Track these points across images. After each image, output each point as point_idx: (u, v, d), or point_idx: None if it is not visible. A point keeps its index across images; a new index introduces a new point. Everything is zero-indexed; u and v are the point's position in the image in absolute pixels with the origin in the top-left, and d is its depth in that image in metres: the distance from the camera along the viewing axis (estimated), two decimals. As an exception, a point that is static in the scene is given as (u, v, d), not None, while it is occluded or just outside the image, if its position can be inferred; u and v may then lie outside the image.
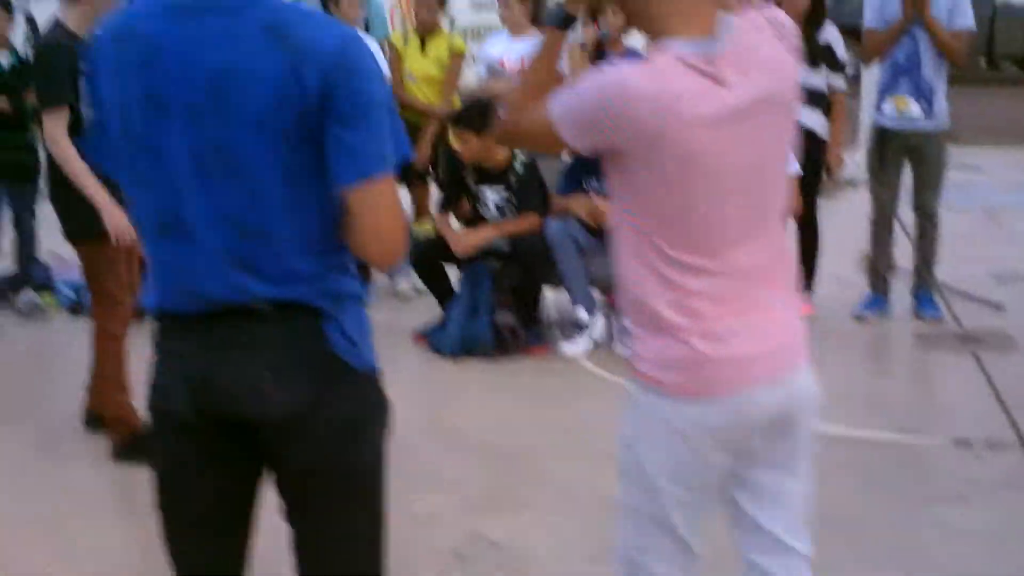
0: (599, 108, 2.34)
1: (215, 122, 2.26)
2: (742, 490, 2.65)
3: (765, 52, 2.41)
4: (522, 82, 2.57)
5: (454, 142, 6.81)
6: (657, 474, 2.55)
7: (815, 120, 6.97)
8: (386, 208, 2.33)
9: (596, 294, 6.97)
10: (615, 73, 2.35)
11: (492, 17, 23.70)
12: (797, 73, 2.53)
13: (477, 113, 6.70)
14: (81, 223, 5.01)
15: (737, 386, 2.48)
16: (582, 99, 2.38)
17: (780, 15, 2.50)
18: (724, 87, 2.31)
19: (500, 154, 6.77)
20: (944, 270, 7.42)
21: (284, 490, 2.49)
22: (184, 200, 2.32)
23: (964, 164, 8.08)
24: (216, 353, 2.38)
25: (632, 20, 2.49)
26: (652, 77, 2.31)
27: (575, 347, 6.66)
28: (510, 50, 7.63)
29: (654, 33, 2.41)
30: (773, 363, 2.51)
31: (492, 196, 6.85)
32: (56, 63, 4.96)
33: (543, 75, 2.54)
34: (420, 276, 7.00)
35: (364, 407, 2.47)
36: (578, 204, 6.71)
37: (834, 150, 7.07)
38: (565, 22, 2.54)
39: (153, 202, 2.36)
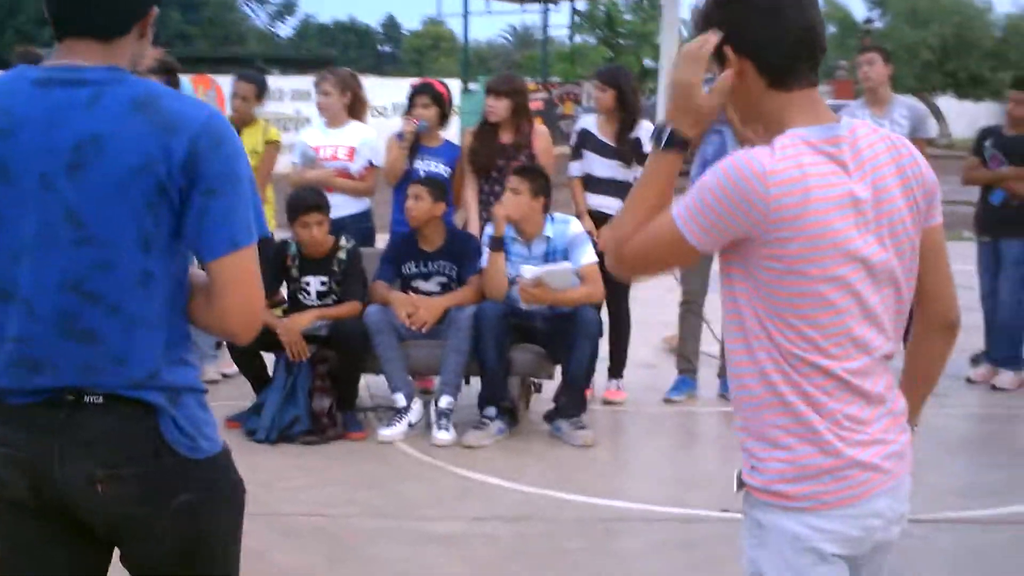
0: (736, 196, 2.26)
1: (71, 189, 2.27)
2: None
3: (883, 156, 2.38)
4: (629, 209, 2.42)
5: (296, 230, 6.72)
6: None
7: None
8: (252, 278, 2.38)
9: (413, 380, 7.00)
10: (745, 159, 2.28)
11: (286, 106, 23.72)
12: (928, 191, 2.45)
13: (320, 197, 6.76)
14: None
15: (862, 493, 2.38)
16: (714, 192, 2.28)
17: (907, 142, 2.47)
18: (847, 174, 2.30)
19: (328, 242, 6.78)
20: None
21: (132, 571, 2.50)
22: (22, 266, 2.30)
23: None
24: (46, 445, 2.34)
25: (740, 107, 2.44)
26: (784, 158, 2.26)
27: (393, 432, 6.65)
28: (325, 139, 7.63)
29: (773, 129, 2.35)
30: (892, 467, 2.43)
31: (314, 283, 6.82)
32: None
33: (655, 201, 2.39)
34: (236, 361, 6.89)
35: (203, 492, 2.44)
36: (399, 304, 6.74)
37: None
38: (682, 145, 2.38)
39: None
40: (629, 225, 2.40)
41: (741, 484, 2.47)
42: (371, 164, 7.57)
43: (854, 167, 2.32)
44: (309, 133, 7.93)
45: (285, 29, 78.45)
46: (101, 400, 2.33)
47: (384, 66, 66.46)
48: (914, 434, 2.58)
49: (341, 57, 53.29)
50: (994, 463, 6.29)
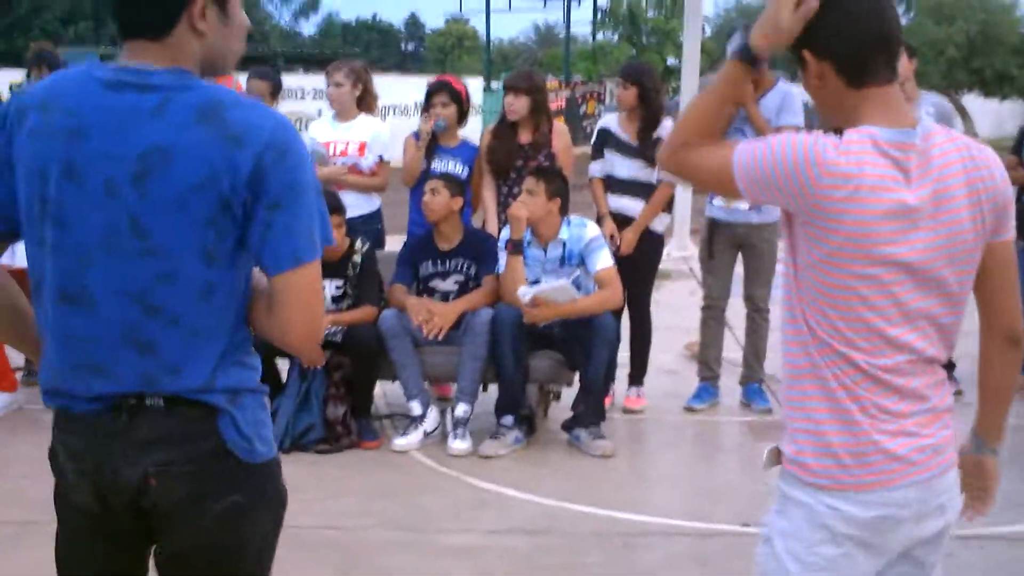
0: (790, 170, 2.35)
1: (136, 199, 2.26)
2: None
3: (955, 167, 2.41)
4: (689, 111, 2.52)
5: None
6: (799, 568, 2.51)
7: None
8: (314, 295, 2.36)
9: (429, 387, 6.88)
10: (812, 141, 2.35)
11: (307, 105, 23.73)
12: (999, 206, 2.48)
13: (337, 199, 6.63)
14: None
15: (887, 480, 2.45)
16: (773, 157, 2.37)
17: (989, 154, 2.49)
18: (906, 180, 2.35)
19: (344, 244, 6.63)
20: (773, 362, 7.53)
21: (161, 566, 2.52)
22: (89, 271, 2.32)
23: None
24: (108, 448, 2.38)
25: (825, 109, 2.50)
26: (847, 153, 2.33)
27: (408, 440, 6.53)
28: (335, 134, 7.46)
29: (847, 123, 2.41)
30: (926, 461, 2.48)
31: (329, 287, 6.68)
32: None
33: (717, 108, 2.50)
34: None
35: (253, 496, 2.45)
36: (413, 310, 6.60)
37: (635, 227, 7.05)
38: (753, 60, 2.45)
39: (57, 269, 2.35)
40: (686, 126, 2.50)
41: (772, 461, 2.58)
42: (382, 159, 7.42)
43: (917, 174, 2.36)
44: (317, 127, 7.70)
45: (308, 27, 78.62)
46: (162, 403, 2.35)
47: (407, 64, 66.42)
48: (993, 455, 2.71)
49: (364, 55, 53.23)
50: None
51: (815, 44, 2.41)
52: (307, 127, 7.83)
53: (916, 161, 2.36)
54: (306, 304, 2.33)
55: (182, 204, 2.25)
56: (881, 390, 2.43)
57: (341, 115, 7.49)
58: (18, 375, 7.46)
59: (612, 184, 7.15)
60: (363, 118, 7.51)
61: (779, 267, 2.62)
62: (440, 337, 6.56)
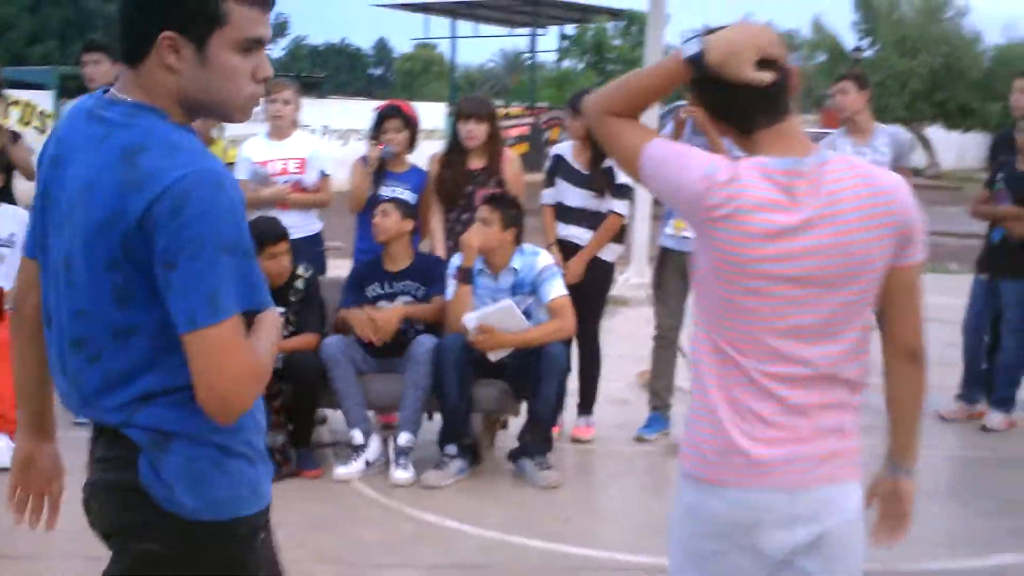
0: (687, 180, 2.50)
1: (69, 232, 2.26)
2: None
3: (849, 192, 2.50)
4: (620, 85, 2.64)
5: (263, 263, 6.40)
6: (682, 555, 2.67)
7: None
8: (214, 358, 2.16)
9: (372, 415, 6.72)
10: (712, 162, 2.51)
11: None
12: (902, 231, 2.54)
13: (280, 225, 6.49)
14: None
15: (746, 482, 2.54)
16: (679, 164, 2.53)
17: (893, 181, 2.58)
18: (791, 204, 2.48)
19: (287, 271, 6.47)
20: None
21: None
22: (51, 297, 2.37)
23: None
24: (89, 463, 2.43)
25: (728, 134, 2.63)
26: (731, 174, 2.48)
27: (349, 470, 6.36)
28: (271, 152, 7.26)
29: (748, 149, 2.57)
30: (795, 472, 2.55)
31: (269, 313, 6.49)
32: None
33: (647, 93, 2.61)
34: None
35: (177, 553, 2.32)
36: (357, 320, 6.48)
37: (580, 257, 6.95)
38: (699, 67, 2.51)
39: (42, 292, 2.42)
40: (613, 94, 2.64)
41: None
42: (324, 174, 7.29)
43: (805, 199, 2.48)
44: (251, 148, 7.40)
45: (276, 50, 78.49)
46: (111, 428, 2.33)
47: (374, 89, 66.32)
48: (908, 476, 2.76)
49: (331, 80, 53.03)
50: (979, 511, 6.00)
51: (711, 112, 2.62)
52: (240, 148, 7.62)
53: (804, 186, 2.48)
54: (204, 369, 2.17)
55: (89, 243, 2.22)
56: (764, 397, 2.53)
57: (277, 133, 7.32)
58: None
59: (562, 212, 7.05)
60: (299, 134, 7.40)
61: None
62: (387, 340, 6.43)
